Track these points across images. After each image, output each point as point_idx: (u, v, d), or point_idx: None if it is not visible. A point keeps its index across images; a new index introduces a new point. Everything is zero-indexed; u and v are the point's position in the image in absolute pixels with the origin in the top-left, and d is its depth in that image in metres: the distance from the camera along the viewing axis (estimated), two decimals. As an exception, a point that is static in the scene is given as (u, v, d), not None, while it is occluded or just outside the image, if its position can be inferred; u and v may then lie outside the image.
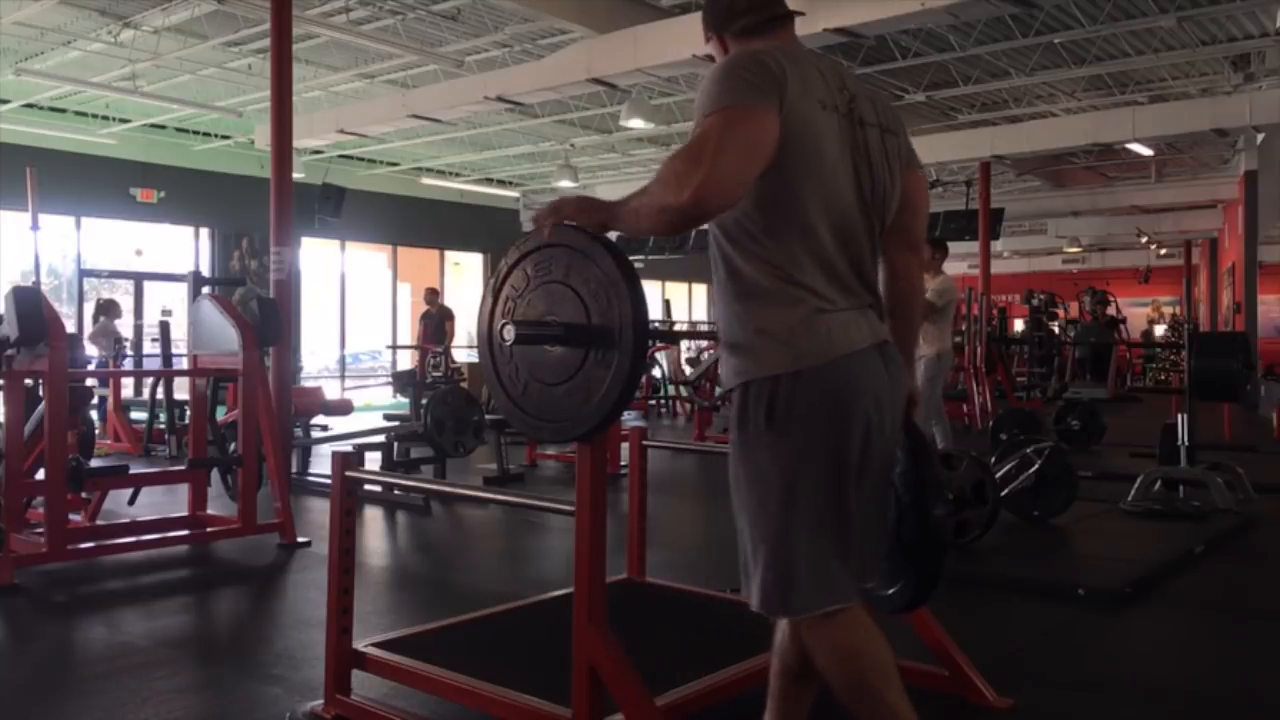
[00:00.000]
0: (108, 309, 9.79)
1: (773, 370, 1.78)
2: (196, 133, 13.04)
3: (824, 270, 1.80)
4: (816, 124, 1.79)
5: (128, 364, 9.28)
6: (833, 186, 1.81)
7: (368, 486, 5.37)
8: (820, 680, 1.87)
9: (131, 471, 5.42)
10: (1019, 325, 16.16)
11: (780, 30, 2.03)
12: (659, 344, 12.12)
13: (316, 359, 15.25)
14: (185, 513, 5.04)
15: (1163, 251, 21.15)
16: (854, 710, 1.82)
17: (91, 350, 9.16)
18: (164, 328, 8.25)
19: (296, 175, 7.42)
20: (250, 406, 4.87)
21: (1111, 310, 16.17)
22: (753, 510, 1.84)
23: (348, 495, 2.56)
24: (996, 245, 15.53)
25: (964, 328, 10.39)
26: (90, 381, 7.50)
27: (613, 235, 1.97)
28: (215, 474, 5.79)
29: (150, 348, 9.55)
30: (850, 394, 1.79)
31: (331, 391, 10.95)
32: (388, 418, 9.41)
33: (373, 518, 5.72)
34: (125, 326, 9.96)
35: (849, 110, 1.86)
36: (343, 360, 15.58)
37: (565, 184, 14.42)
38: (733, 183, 1.69)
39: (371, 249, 16.48)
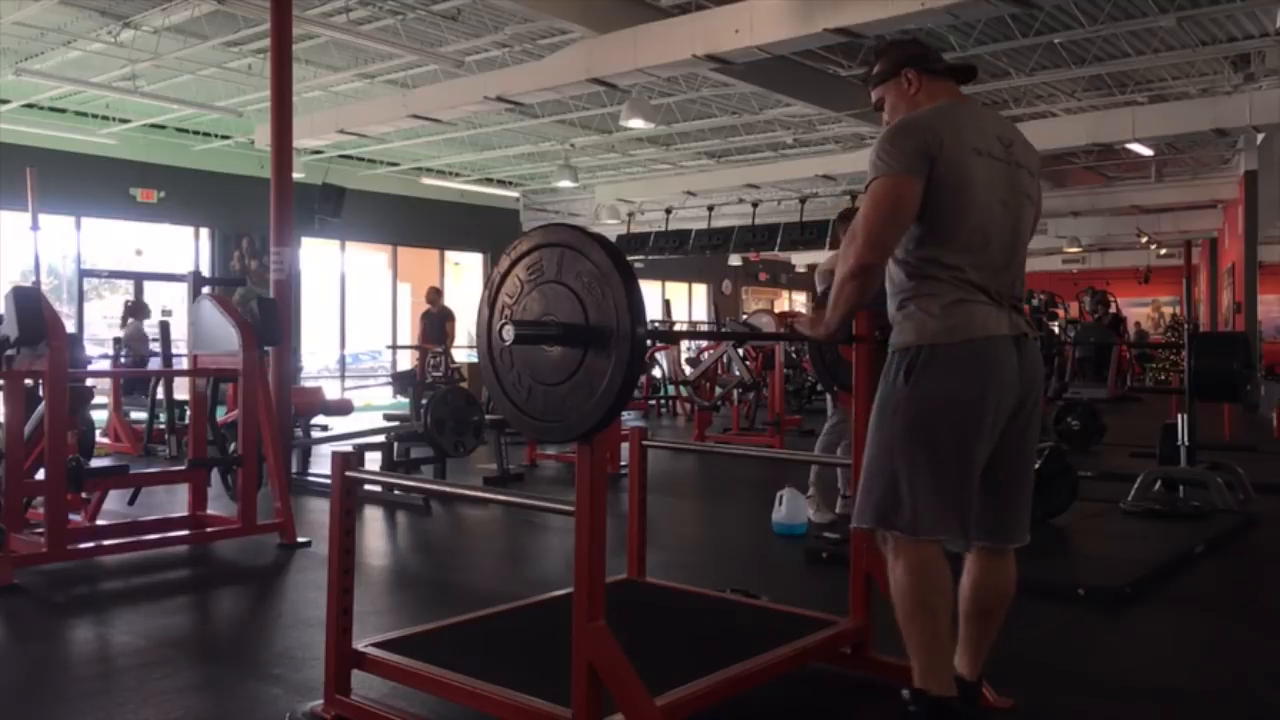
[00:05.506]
0: (137, 310, 9.68)
1: (915, 342, 2.27)
2: (196, 133, 13.03)
3: (968, 275, 2.26)
4: (969, 170, 2.26)
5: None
6: (982, 216, 2.27)
7: (368, 486, 5.37)
8: (999, 614, 2.43)
9: (131, 471, 5.42)
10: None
11: (952, 77, 2.49)
12: (659, 344, 12.11)
13: (316, 359, 15.25)
14: (185, 513, 5.04)
15: (1163, 251, 21.13)
16: (906, 626, 2.27)
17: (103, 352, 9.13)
18: (164, 328, 8.25)
19: (296, 175, 7.42)
20: (250, 406, 4.87)
21: (1112, 310, 16.17)
22: (879, 447, 2.32)
23: (348, 495, 2.56)
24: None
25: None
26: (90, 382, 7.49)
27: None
28: (215, 474, 5.79)
29: (150, 347, 9.53)
30: (977, 370, 2.24)
31: (331, 391, 10.94)
32: (388, 418, 9.42)
33: (373, 518, 5.71)
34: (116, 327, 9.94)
35: (1007, 155, 2.35)
36: (343, 360, 15.58)
37: (565, 184, 14.42)
38: (881, 245, 2.26)
39: (371, 249, 16.47)
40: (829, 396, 5.45)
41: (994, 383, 2.26)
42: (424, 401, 6.66)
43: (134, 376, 9.18)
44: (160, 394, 8.00)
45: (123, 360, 9.13)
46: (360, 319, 15.96)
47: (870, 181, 2.29)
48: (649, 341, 2.18)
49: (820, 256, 14.13)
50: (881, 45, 2.59)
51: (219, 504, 5.46)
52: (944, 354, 2.25)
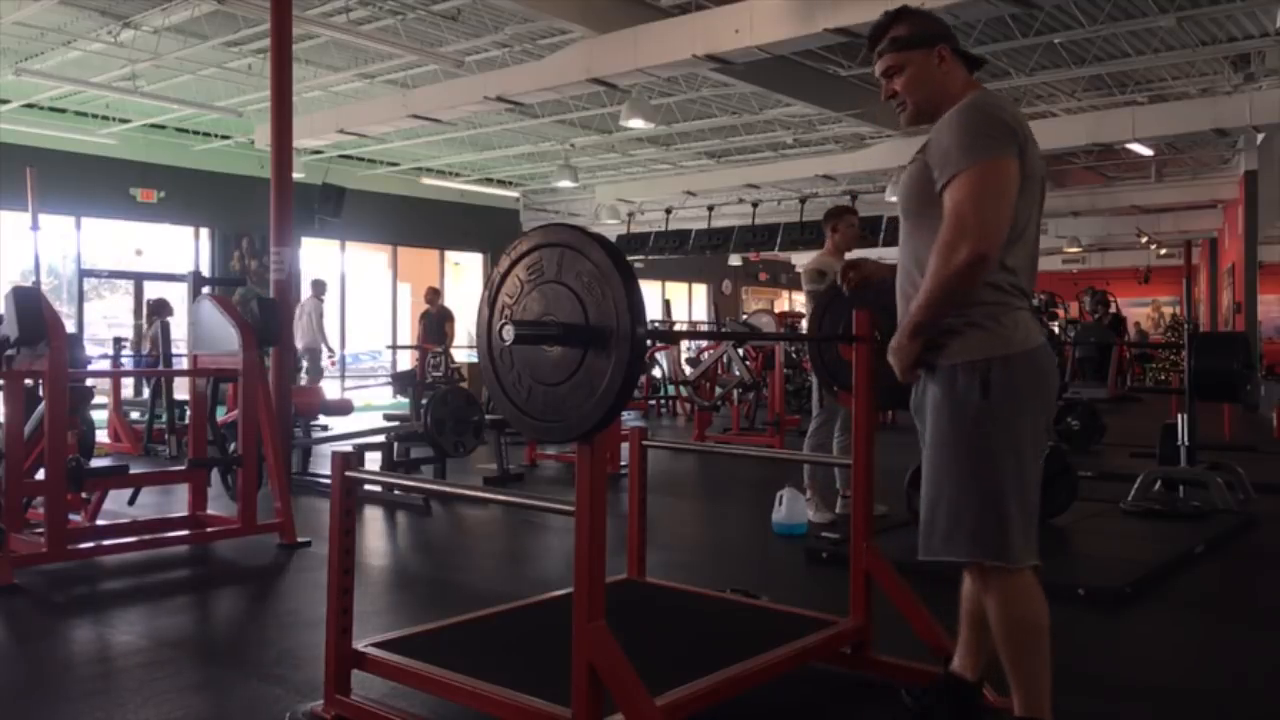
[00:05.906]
0: (160, 309, 9.60)
1: (984, 355, 2.13)
2: (196, 133, 13.04)
3: (1019, 281, 2.17)
4: (1037, 168, 2.16)
5: (128, 364, 9.28)
6: (1033, 217, 2.19)
7: (368, 486, 5.37)
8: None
9: (131, 471, 5.42)
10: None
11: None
12: (659, 344, 12.12)
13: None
14: (185, 513, 5.04)
15: (1163, 251, 21.13)
16: (1021, 654, 2.21)
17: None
18: (164, 327, 8.26)
19: (296, 175, 7.42)
20: (250, 406, 4.87)
21: (1112, 310, 16.16)
22: (965, 469, 2.14)
23: (348, 495, 2.56)
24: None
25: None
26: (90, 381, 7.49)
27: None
28: (215, 474, 5.79)
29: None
30: (1043, 378, 2.19)
31: (331, 391, 10.94)
32: (388, 418, 9.42)
33: (373, 518, 5.72)
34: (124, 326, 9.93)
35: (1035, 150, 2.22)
36: (343, 360, 15.58)
37: (565, 184, 14.42)
38: (998, 230, 2.04)
39: (371, 249, 16.48)
40: (815, 395, 5.44)
41: (1051, 391, 2.24)
42: (424, 401, 6.66)
43: (138, 376, 9.20)
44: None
45: (144, 360, 9.16)
46: (360, 319, 15.97)
47: (962, 170, 2.05)
48: (649, 341, 2.17)
49: (820, 256, 14.12)
50: (897, 9, 2.31)
51: (219, 504, 5.46)
52: (1016, 365, 2.13)
